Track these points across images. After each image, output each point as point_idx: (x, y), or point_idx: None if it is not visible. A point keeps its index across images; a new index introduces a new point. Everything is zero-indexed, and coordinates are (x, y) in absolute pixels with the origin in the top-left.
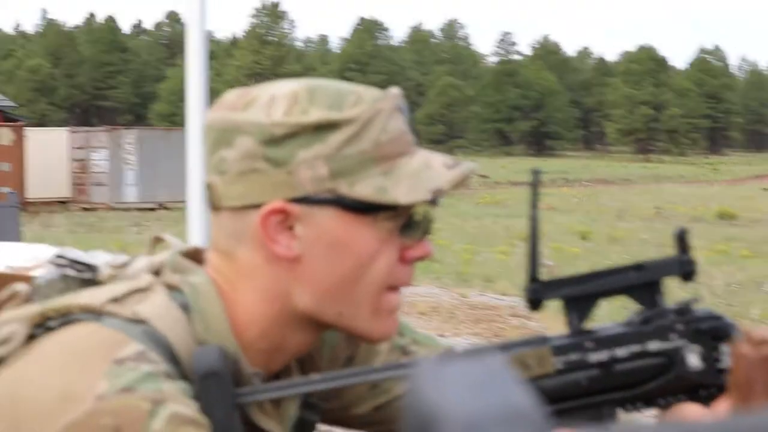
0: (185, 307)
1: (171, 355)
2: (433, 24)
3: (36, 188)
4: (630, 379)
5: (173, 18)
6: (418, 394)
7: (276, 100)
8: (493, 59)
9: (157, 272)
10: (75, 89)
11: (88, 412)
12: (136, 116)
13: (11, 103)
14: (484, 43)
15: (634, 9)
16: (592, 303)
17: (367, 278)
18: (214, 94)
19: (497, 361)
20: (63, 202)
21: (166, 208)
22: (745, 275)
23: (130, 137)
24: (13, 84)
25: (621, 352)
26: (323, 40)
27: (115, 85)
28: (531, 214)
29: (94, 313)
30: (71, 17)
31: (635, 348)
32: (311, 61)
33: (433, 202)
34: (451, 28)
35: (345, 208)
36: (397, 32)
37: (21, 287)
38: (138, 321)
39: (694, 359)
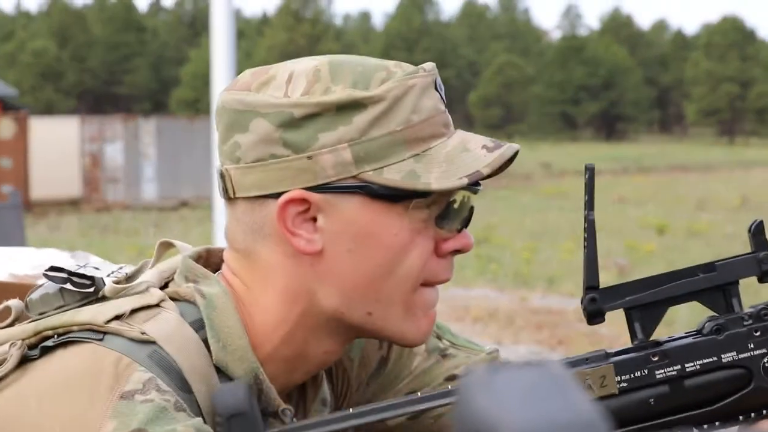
0: (199, 324)
1: (182, 383)
2: None
3: (42, 186)
4: (704, 396)
5: None
6: (472, 404)
7: (295, 78)
8: (556, 34)
9: (166, 283)
10: (85, 74)
11: None
12: (155, 104)
13: (13, 91)
14: (546, 17)
15: None
16: (657, 312)
17: (399, 274)
18: None
19: (556, 368)
20: (73, 202)
21: (189, 207)
22: None
23: (148, 127)
24: (15, 69)
25: (692, 365)
26: (365, 16)
27: (130, 69)
28: (586, 215)
29: (96, 333)
30: None
31: (708, 360)
32: (351, 39)
33: (472, 188)
34: (509, 1)
35: (372, 197)
36: (448, 6)
37: (13, 303)
38: (146, 342)
39: None
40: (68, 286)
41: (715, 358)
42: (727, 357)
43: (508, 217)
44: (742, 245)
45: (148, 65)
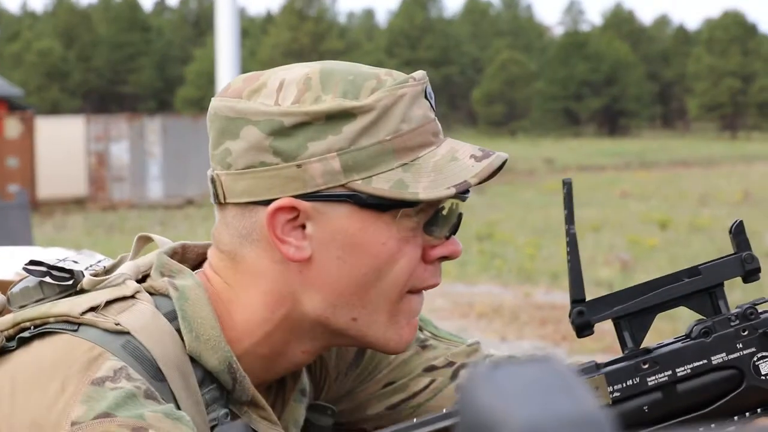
0: (172, 315)
1: (155, 372)
2: None
3: (48, 185)
4: (697, 399)
5: None
6: (475, 400)
7: (286, 86)
8: (559, 30)
9: (144, 277)
10: (91, 74)
11: None
12: (160, 102)
13: (19, 91)
14: (548, 13)
15: None
16: (646, 320)
17: (386, 281)
18: None
19: (559, 364)
20: (79, 201)
21: (194, 205)
22: None
23: (153, 126)
24: (21, 69)
25: (682, 370)
26: (368, 13)
27: (135, 68)
28: (567, 229)
29: (72, 324)
30: None
31: (698, 363)
32: (355, 37)
33: (461, 196)
34: None
35: (361, 205)
36: (451, 3)
37: None
38: (120, 333)
39: (766, 367)
40: (47, 279)
41: (705, 361)
42: (717, 359)
43: (511, 213)
44: None
45: (153, 64)
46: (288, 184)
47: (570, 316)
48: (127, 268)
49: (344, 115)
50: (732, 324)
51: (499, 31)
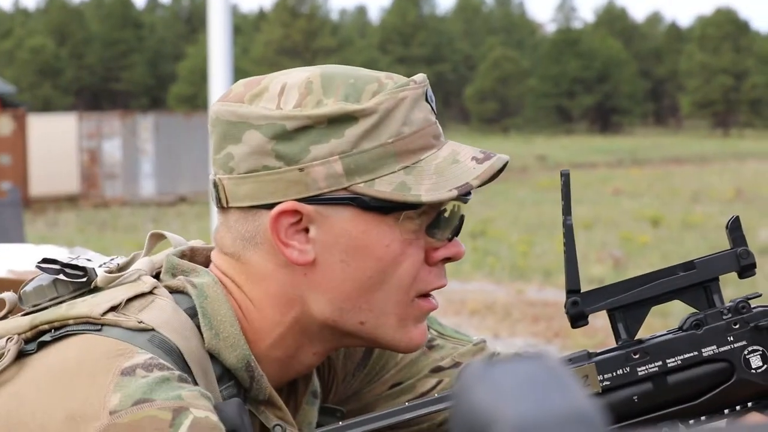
0: (192, 311)
1: (182, 362)
2: None
3: (40, 183)
4: (688, 391)
5: None
6: (469, 397)
7: (287, 91)
8: (551, 27)
9: (157, 274)
10: (83, 71)
11: (103, 430)
12: (153, 99)
13: (11, 88)
14: (541, 10)
15: None
16: (640, 312)
17: (391, 284)
18: (239, 73)
19: (551, 361)
20: (71, 198)
21: (187, 202)
22: None
23: (145, 123)
24: (13, 66)
25: (673, 361)
26: (361, 10)
27: (128, 65)
28: (564, 220)
29: (94, 325)
30: None
31: (688, 355)
32: (348, 34)
33: (463, 198)
34: None
35: (364, 208)
36: (444, 0)
37: (7, 295)
38: (144, 330)
39: (756, 360)
40: (61, 277)
41: (695, 353)
42: (708, 351)
43: (504, 211)
44: None
45: (145, 61)
46: (291, 188)
47: (565, 306)
48: (142, 264)
49: (346, 119)
50: (724, 317)
51: (491, 28)
